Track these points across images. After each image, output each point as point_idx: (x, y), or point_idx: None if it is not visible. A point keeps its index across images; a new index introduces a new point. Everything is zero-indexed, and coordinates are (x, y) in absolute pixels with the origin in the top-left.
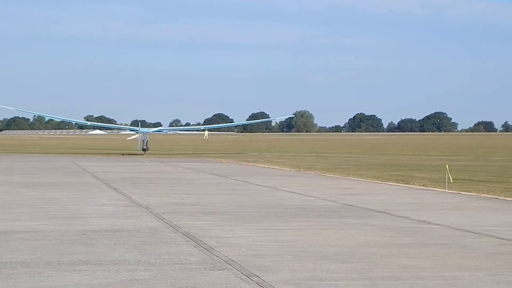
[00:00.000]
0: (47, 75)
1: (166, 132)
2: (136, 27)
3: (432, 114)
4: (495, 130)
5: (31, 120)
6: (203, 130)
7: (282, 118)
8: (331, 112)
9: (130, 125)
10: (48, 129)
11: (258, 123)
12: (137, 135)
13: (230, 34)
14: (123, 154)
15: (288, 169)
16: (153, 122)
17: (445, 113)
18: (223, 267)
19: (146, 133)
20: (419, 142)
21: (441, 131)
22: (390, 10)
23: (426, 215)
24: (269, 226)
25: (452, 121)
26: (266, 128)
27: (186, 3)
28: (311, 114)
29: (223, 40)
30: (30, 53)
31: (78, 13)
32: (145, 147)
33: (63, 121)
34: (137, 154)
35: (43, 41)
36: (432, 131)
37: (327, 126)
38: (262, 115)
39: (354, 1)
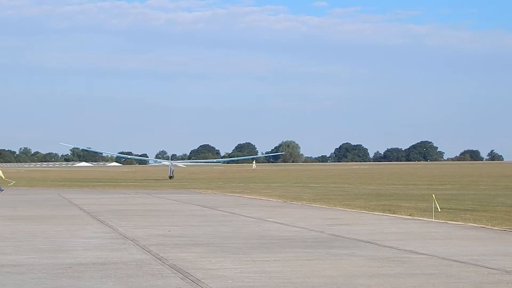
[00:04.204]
0: (31, 107)
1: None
2: (119, 57)
3: (418, 143)
4: (481, 159)
5: (17, 152)
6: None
7: (271, 154)
8: (317, 142)
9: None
10: (34, 162)
11: (244, 153)
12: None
13: (213, 64)
14: (156, 180)
15: (275, 200)
16: (139, 154)
17: (431, 142)
18: None
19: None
20: (405, 171)
21: (427, 160)
22: (371, 40)
23: (413, 245)
24: (256, 257)
25: (438, 150)
26: (252, 158)
27: (168, 35)
28: (297, 144)
29: (207, 70)
30: (10, 84)
31: (59, 44)
32: (171, 175)
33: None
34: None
35: (22, 72)
36: (418, 160)
37: (313, 156)
38: (248, 145)
39: (333, 32)
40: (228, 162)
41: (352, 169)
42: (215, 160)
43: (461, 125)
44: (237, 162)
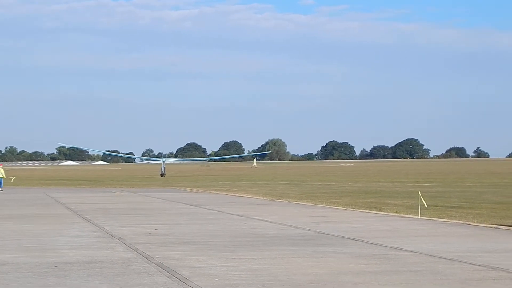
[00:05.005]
0: (17, 106)
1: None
2: (106, 57)
3: (404, 140)
4: (467, 156)
5: (3, 151)
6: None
7: (257, 153)
8: (303, 140)
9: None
10: (20, 161)
11: (230, 152)
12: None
13: (201, 63)
14: (147, 177)
15: (261, 198)
16: (125, 152)
17: (417, 139)
18: None
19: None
20: (391, 168)
21: (413, 158)
22: (358, 38)
23: (399, 242)
24: (242, 255)
25: (424, 147)
26: (239, 156)
27: (155, 33)
28: (283, 142)
29: (193, 69)
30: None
31: (47, 44)
32: (163, 172)
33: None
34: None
35: (11, 72)
36: (404, 158)
37: (299, 154)
38: (235, 144)
39: (320, 30)
40: (214, 160)
41: (338, 166)
42: (204, 158)
43: (447, 122)
44: (223, 160)
